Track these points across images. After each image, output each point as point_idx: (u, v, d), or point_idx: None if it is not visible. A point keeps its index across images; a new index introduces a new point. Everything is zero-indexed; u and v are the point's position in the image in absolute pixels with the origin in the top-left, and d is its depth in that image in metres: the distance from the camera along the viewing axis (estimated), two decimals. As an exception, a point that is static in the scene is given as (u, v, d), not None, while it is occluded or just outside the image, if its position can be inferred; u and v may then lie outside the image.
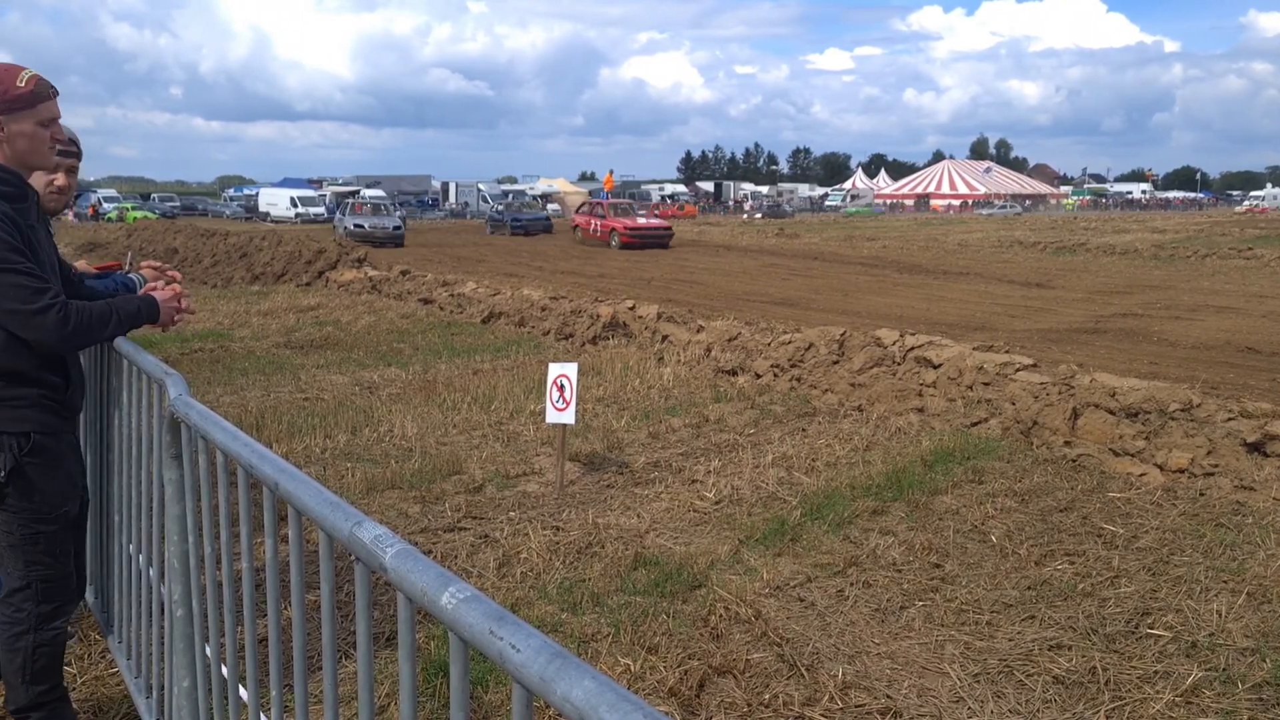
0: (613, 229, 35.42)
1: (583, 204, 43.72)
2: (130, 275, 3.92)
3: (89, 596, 3.82)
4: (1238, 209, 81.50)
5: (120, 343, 3.09)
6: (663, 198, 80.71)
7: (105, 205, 60.78)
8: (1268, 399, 8.31)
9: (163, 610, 2.73)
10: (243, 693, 2.29)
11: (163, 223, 41.01)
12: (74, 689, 3.52)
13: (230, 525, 2.19)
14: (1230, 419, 6.91)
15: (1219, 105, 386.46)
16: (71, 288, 3.22)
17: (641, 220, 37.38)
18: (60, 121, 3.01)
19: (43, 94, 2.83)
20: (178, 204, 74.02)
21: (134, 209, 60.37)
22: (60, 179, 3.69)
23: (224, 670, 2.34)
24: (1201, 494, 5.99)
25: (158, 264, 4.10)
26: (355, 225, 35.31)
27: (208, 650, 2.42)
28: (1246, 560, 4.94)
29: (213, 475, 2.23)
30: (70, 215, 49.45)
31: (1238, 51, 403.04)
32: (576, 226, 38.82)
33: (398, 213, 43.21)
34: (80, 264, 4.30)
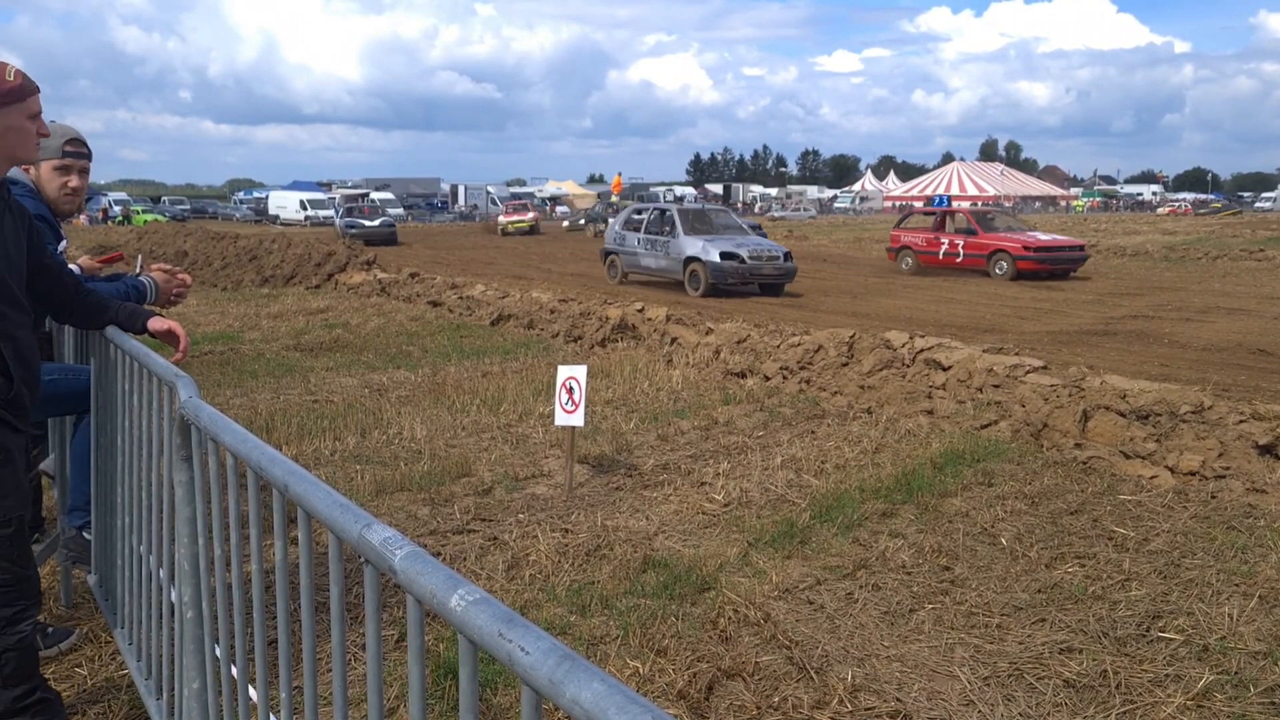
0: (999, 250, 24.08)
1: (909, 214, 30.51)
2: (141, 278, 3.94)
3: (98, 597, 3.83)
4: (1160, 210, 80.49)
5: (131, 345, 3.10)
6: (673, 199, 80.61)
7: (115, 208, 61.09)
8: (1279, 400, 8.28)
9: (173, 612, 2.74)
10: (252, 694, 2.29)
11: (173, 225, 41.06)
12: (84, 690, 3.54)
13: (240, 527, 2.19)
14: (1242, 421, 6.88)
15: (1230, 106, 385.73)
16: (67, 291, 3.21)
17: (1044, 236, 25.55)
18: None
19: (30, 88, 2.87)
20: (188, 207, 74.44)
21: (143, 211, 60.66)
22: (74, 180, 3.71)
23: (234, 671, 2.34)
24: (1213, 496, 5.97)
25: (168, 266, 4.13)
26: (726, 259, 19.45)
27: (218, 651, 2.42)
28: (1258, 563, 4.92)
29: (223, 477, 2.23)
30: (83, 218, 49.68)
31: (1249, 52, 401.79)
32: (903, 248, 26.69)
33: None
34: (83, 260, 4.32)
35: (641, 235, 21.86)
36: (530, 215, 51.25)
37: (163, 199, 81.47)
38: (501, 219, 49.02)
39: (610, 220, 29.97)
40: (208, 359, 10.89)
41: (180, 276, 4.09)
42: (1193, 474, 6.29)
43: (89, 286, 3.48)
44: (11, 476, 2.88)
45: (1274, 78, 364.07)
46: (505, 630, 1.14)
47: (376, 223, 40.53)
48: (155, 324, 3.35)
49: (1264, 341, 13.36)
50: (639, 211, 23.00)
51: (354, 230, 38.22)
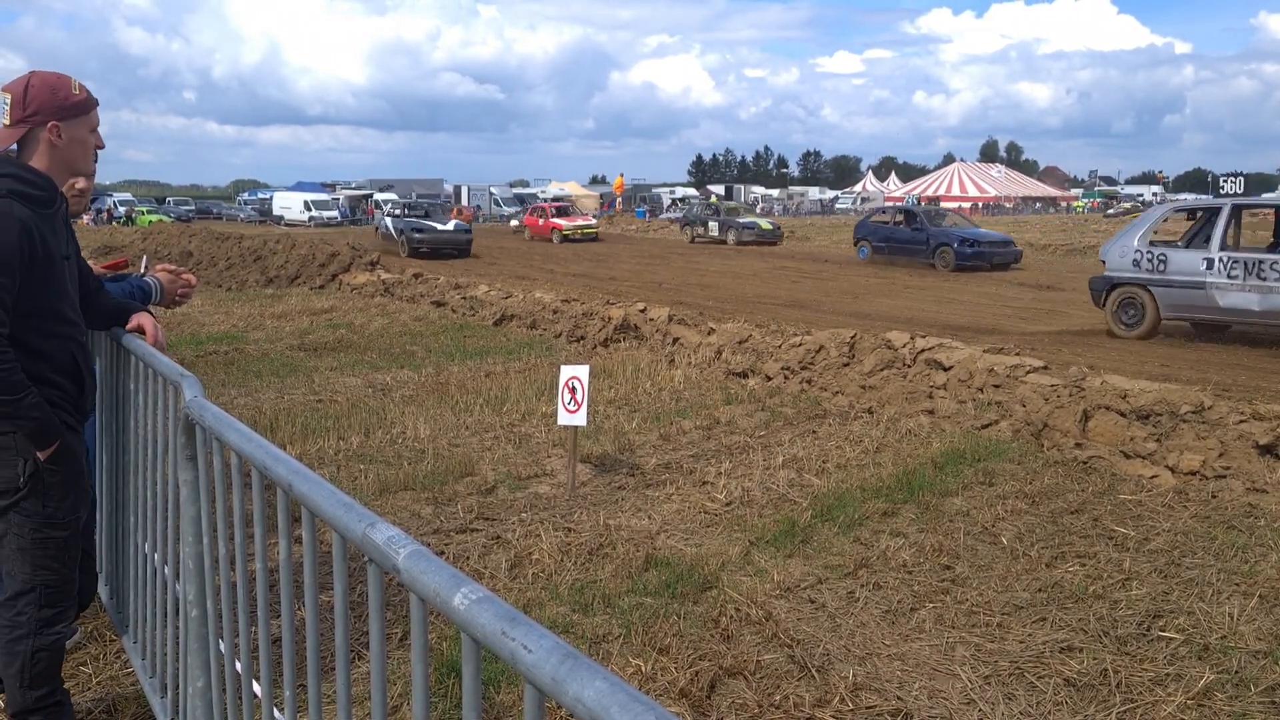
0: None
1: None
2: (145, 279, 3.95)
3: (104, 596, 3.85)
4: (1108, 212, 71.54)
5: (136, 345, 3.12)
6: (674, 201, 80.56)
7: (120, 209, 61.19)
8: (1281, 401, 8.28)
9: (177, 610, 2.75)
10: (257, 690, 2.31)
11: (178, 226, 40.90)
12: (89, 689, 3.55)
13: (244, 526, 2.21)
14: (1242, 421, 6.88)
15: (1230, 107, 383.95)
16: (92, 293, 3.25)
17: None
18: None
19: (92, 101, 3.00)
20: (192, 207, 74.51)
21: (147, 212, 60.77)
22: (81, 182, 3.73)
23: (238, 670, 2.36)
24: (1213, 496, 5.98)
25: (172, 267, 4.13)
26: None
27: (222, 650, 2.44)
28: (1258, 563, 4.93)
29: (227, 477, 2.25)
30: (87, 219, 49.71)
31: (1249, 53, 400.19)
32: None
33: None
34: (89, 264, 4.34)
35: (1217, 254, 12.54)
36: (593, 219, 43.57)
37: (167, 200, 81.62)
38: (563, 222, 39.62)
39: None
40: (212, 359, 10.92)
41: (185, 277, 4.10)
42: (1193, 474, 6.30)
43: (104, 287, 3.51)
44: (75, 478, 2.94)
45: (1274, 79, 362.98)
46: (508, 629, 1.15)
47: (450, 226, 30.07)
48: (131, 321, 3.36)
49: (1263, 342, 13.35)
50: (1193, 214, 13.82)
51: (421, 236, 29.00)
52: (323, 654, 1.97)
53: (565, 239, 38.55)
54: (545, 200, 50.62)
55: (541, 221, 40.92)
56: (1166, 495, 6.00)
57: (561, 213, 41.95)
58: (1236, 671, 3.83)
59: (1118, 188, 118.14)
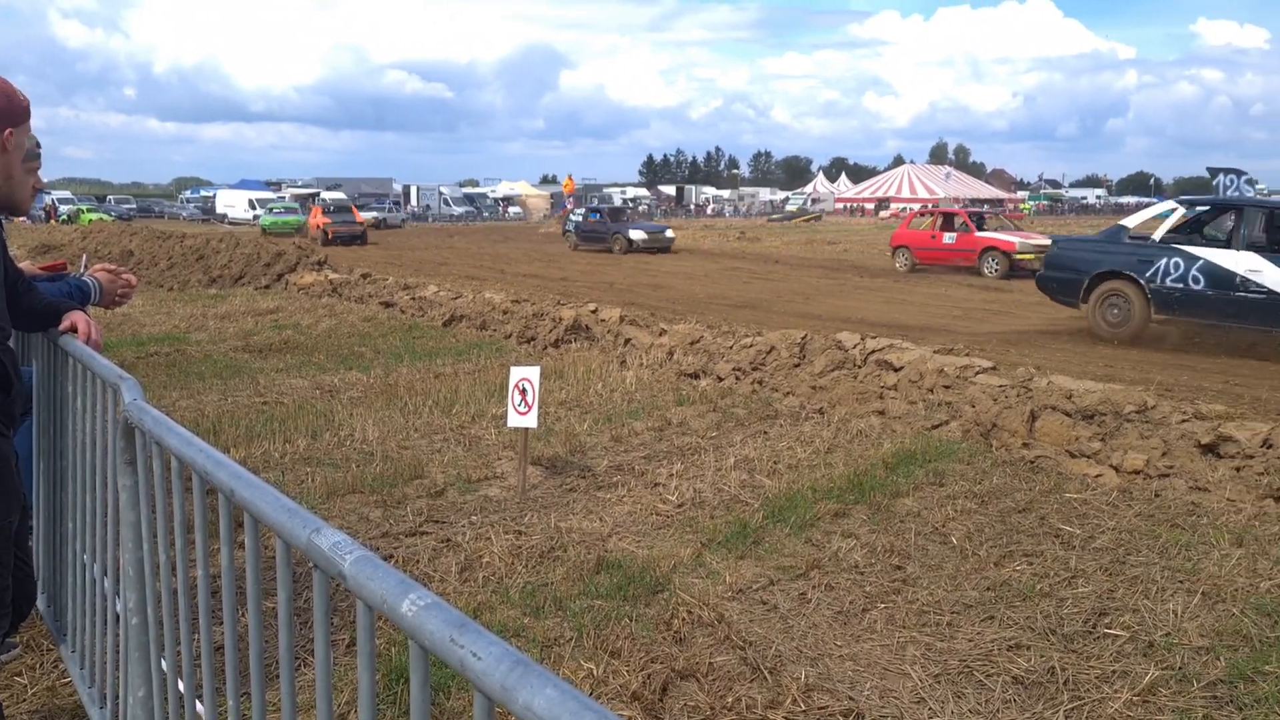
0: None
1: None
2: (84, 279, 3.86)
3: (40, 604, 3.75)
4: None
5: (74, 347, 3.04)
6: (624, 201, 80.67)
7: (61, 208, 59.95)
8: (1221, 401, 8.45)
9: (117, 619, 2.68)
10: (199, 705, 2.26)
11: (118, 225, 39.95)
12: (24, 700, 3.46)
13: (185, 532, 2.16)
14: (1184, 420, 7.02)
15: (1172, 111, 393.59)
16: (21, 295, 3.16)
17: None
18: None
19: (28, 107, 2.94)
20: (134, 206, 73.22)
21: (88, 210, 59.57)
22: (38, 181, 3.64)
23: (180, 679, 2.30)
24: (1157, 495, 6.08)
25: (112, 266, 4.04)
26: None
27: (163, 659, 2.38)
28: (1201, 560, 5.02)
29: (167, 481, 2.19)
30: (23, 219, 48.55)
31: (1190, 58, 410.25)
32: None
33: None
34: (25, 265, 4.22)
35: None
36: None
37: (108, 198, 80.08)
38: (1014, 240, 24.90)
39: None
40: (153, 360, 10.71)
41: (125, 277, 4.01)
42: (1137, 473, 6.40)
43: (35, 286, 3.41)
44: (5, 483, 2.83)
45: (1214, 84, 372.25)
46: (457, 636, 1.13)
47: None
48: (64, 321, 3.26)
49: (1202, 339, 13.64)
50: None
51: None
52: (267, 661, 1.92)
53: (1015, 269, 24.25)
54: (498, 199, 45.71)
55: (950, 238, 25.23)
56: (1111, 494, 6.09)
57: (981, 222, 26.22)
58: (1180, 668, 3.89)
59: (1063, 190, 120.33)
